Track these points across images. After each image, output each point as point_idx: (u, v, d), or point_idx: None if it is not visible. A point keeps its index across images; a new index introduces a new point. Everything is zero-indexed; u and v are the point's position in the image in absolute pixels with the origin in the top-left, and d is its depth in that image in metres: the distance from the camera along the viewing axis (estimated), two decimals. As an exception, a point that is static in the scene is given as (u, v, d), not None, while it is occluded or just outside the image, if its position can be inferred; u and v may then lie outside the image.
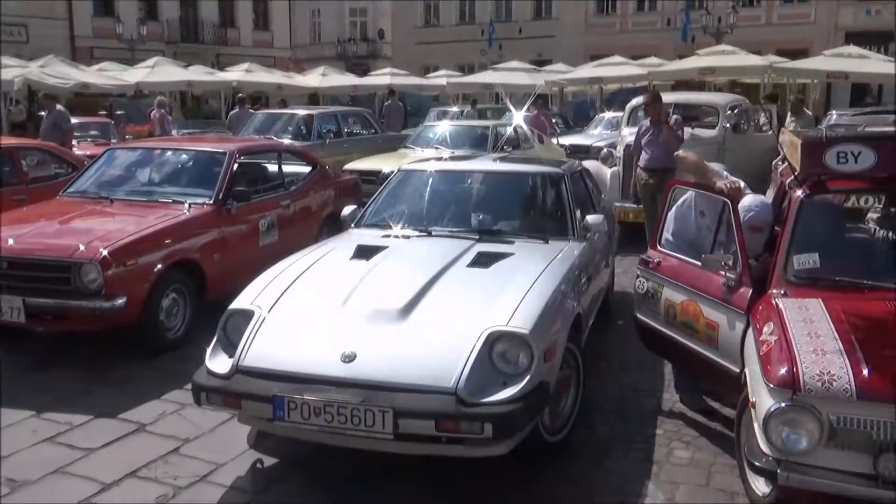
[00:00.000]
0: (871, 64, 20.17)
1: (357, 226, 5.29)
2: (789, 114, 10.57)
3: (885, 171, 3.81)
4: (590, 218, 5.08)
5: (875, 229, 4.33)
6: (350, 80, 28.74)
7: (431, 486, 3.70)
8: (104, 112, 19.17)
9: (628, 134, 9.18)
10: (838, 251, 4.08)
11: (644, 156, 7.90)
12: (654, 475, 3.84)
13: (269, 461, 3.99)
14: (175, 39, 35.25)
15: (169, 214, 5.84)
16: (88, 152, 10.42)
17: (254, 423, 3.94)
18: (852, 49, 21.27)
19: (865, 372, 2.90)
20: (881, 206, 4.39)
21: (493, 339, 3.51)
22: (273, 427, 3.71)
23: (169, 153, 7.02)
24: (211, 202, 6.08)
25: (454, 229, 4.97)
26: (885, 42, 28.70)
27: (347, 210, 5.46)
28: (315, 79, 27.60)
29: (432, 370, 3.40)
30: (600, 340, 5.66)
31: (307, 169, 7.85)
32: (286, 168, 7.63)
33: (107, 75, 22.67)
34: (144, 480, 3.75)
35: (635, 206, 8.50)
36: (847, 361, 2.97)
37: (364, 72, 33.22)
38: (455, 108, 20.00)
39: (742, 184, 4.48)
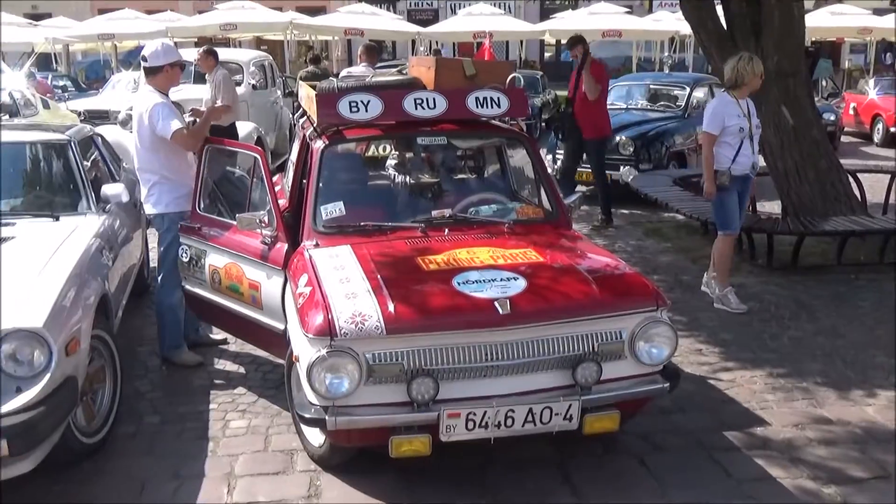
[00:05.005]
0: (383, 21, 22.47)
1: None
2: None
3: (391, 117, 4.21)
4: (108, 188, 4.82)
5: (394, 175, 4.81)
6: None
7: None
8: None
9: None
10: (363, 198, 4.45)
11: None
12: (210, 451, 3.81)
13: None
14: None
15: None
16: None
17: None
18: (365, 7, 23.42)
19: (391, 308, 3.18)
20: (396, 152, 4.91)
21: (-2, 341, 3.11)
22: None
23: None
24: None
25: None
26: (395, 1, 32.24)
27: None
28: None
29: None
30: (140, 321, 5.42)
31: None
32: None
33: None
34: None
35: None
36: (375, 300, 3.23)
37: None
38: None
39: None
